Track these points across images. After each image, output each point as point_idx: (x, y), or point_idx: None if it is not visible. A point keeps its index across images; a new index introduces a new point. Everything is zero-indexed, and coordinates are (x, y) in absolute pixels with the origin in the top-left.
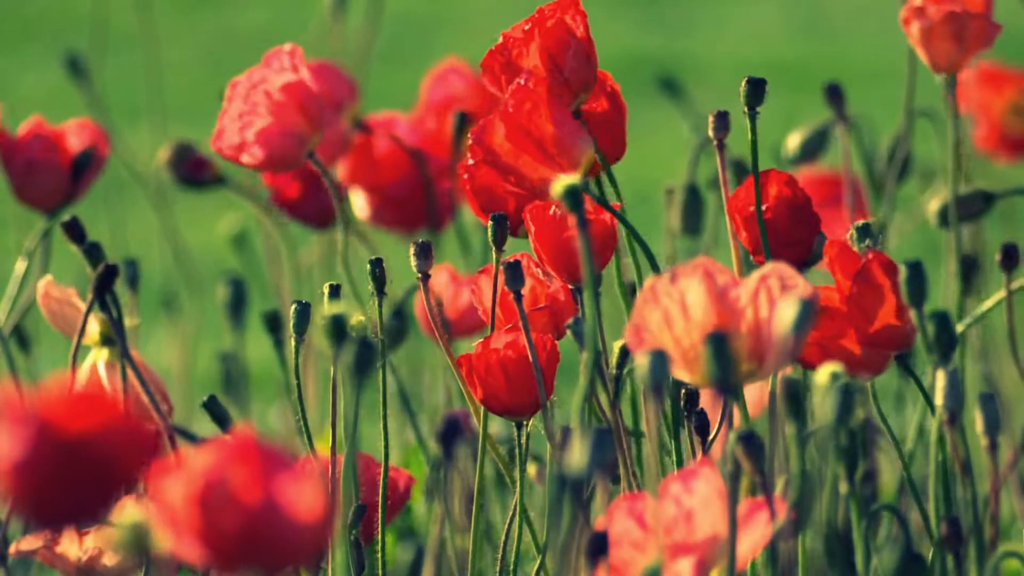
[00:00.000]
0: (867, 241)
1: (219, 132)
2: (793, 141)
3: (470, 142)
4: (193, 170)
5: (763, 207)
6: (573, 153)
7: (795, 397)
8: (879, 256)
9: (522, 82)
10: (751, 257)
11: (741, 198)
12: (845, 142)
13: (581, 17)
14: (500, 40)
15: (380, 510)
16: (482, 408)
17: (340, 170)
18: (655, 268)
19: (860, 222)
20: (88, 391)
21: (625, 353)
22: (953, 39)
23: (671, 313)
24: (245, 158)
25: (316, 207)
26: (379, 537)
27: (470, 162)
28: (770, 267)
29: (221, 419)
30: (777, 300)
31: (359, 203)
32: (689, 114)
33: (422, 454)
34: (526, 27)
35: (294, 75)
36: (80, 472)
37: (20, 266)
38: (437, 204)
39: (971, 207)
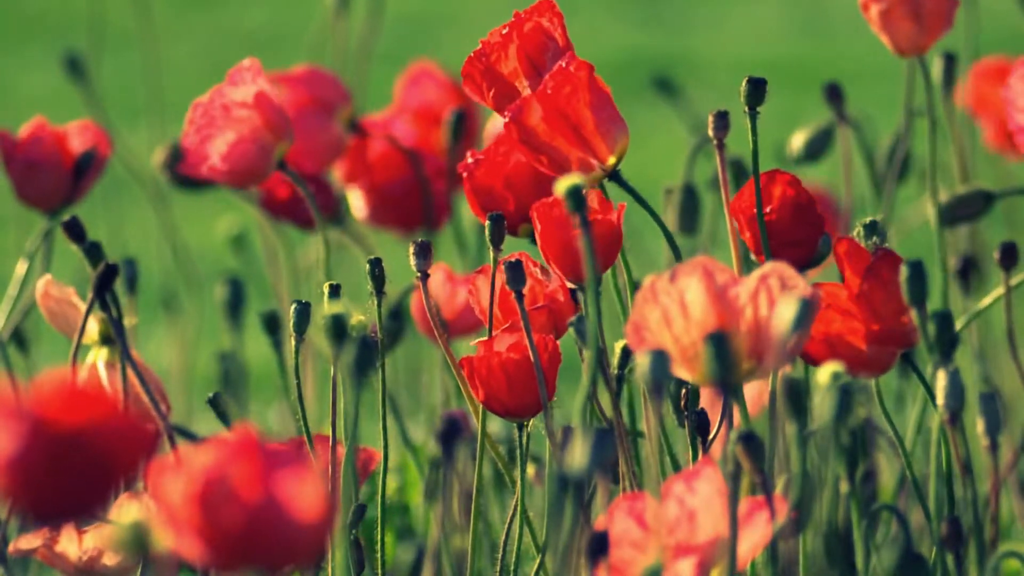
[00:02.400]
0: (874, 239)
1: (185, 151)
2: (797, 140)
3: (506, 119)
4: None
5: (767, 207)
6: (609, 139)
7: (796, 396)
8: (889, 253)
9: (563, 64)
10: (754, 257)
11: (745, 198)
12: (846, 142)
13: (558, 19)
14: (479, 47)
15: (380, 509)
16: (481, 408)
17: (337, 170)
18: (678, 257)
19: (867, 219)
20: (83, 386)
21: (627, 353)
22: (912, 19)
23: (670, 312)
24: (206, 170)
25: (306, 209)
26: (379, 537)
27: (469, 161)
28: (770, 266)
29: (224, 416)
30: (777, 299)
31: (356, 203)
32: (685, 114)
33: (410, 457)
34: (504, 31)
35: (254, 87)
36: (75, 467)
37: (21, 267)
38: (434, 203)
39: (971, 207)
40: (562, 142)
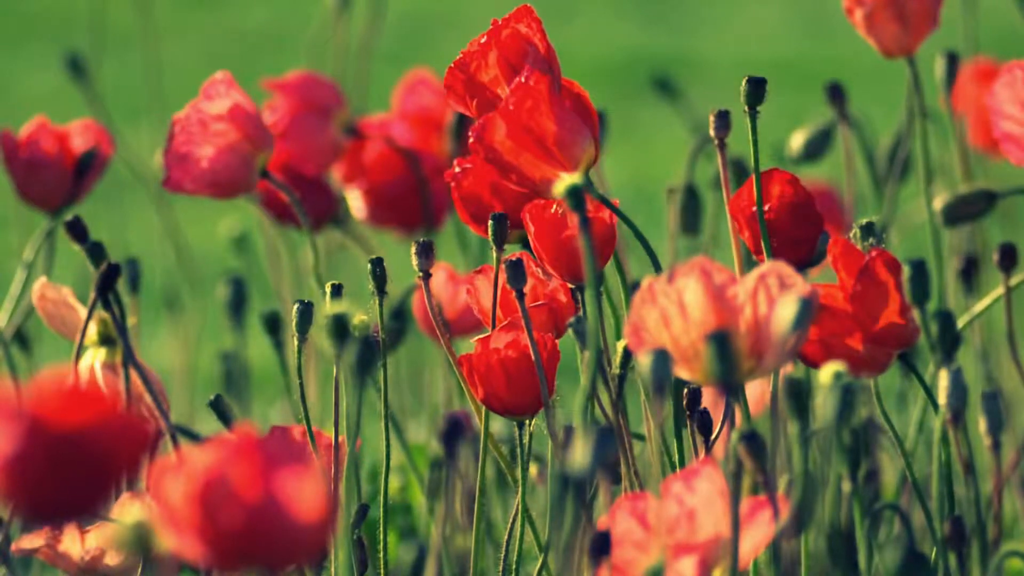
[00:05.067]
0: (870, 239)
1: (167, 169)
2: (797, 140)
3: (470, 140)
4: None
5: (765, 207)
6: (574, 151)
7: (797, 396)
8: (883, 254)
9: (523, 79)
10: (753, 257)
11: (743, 198)
12: (847, 142)
13: (536, 24)
14: (459, 57)
15: (382, 509)
16: (483, 407)
17: (335, 172)
18: (657, 266)
19: (863, 220)
20: (80, 386)
21: (628, 353)
22: (897, 21)
23: (669, 313)
24: (189, 186)
25: (307, 210)
26: (381, 537)
27: (456, 170)
28: (769, 266)
29: (226, 418)
30: (776, 298)
31: (355, 204)
32: (686, 114)
33: (406, 458)
34: (482, 40)
35: (228, 100)
36: (73, 467)
37: (22, 267)
38: (433, 203)
39: (973, 206)
40: (528, 157)
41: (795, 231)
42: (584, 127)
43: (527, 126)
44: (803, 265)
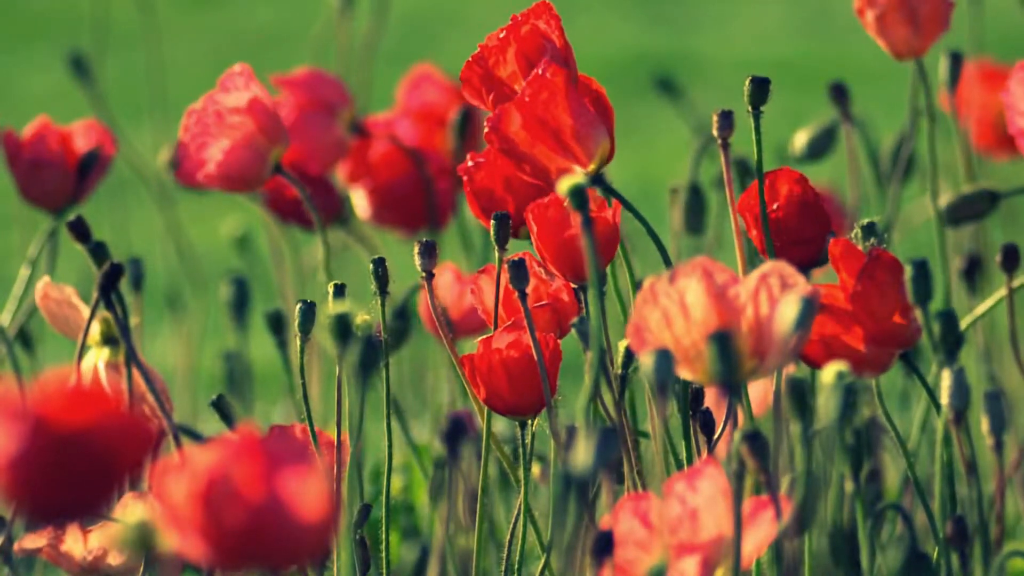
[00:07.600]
0: (872, 240)
1: (181, 160)
2: (800, 140)
3: (485, 130)
4: None
5: (774, 205)
6: (589, 144)
7: (800, 396)
8: (884, 254)
9: (540, 71)
10: (761, 256)
11: (753, 196)
12: (850, 142)
13: (555, 21)
14: (477, 51)
15: (385, 509)
16: (486, 408)
17: (340, 171)
18: (667, 264)
19: (865, 220)
20: (84, 386)
21: (630, 353)
22: (908, 23)
23: (671, 313)
24: (202, 177)
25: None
26: (384, 537)
27: (469, 164)
28: (770, 265)
29: (228, 418)
30: (778, 298)
31: (360, 203)
32: (688, 114)
33: (414, 457)
34: (501, 35)
35: (247, 93)
36: (77, 466)
37: (25, 267)
38: (437, 203)
39: (976, 206)
40: (543, 149)
41: (802, 230)
42: (600, 121)
43: (542, 118)
44: (811, 264)
